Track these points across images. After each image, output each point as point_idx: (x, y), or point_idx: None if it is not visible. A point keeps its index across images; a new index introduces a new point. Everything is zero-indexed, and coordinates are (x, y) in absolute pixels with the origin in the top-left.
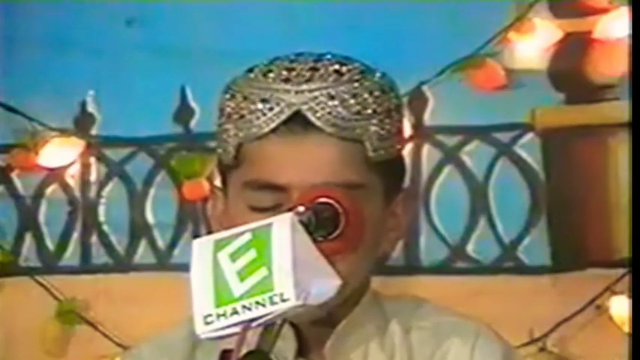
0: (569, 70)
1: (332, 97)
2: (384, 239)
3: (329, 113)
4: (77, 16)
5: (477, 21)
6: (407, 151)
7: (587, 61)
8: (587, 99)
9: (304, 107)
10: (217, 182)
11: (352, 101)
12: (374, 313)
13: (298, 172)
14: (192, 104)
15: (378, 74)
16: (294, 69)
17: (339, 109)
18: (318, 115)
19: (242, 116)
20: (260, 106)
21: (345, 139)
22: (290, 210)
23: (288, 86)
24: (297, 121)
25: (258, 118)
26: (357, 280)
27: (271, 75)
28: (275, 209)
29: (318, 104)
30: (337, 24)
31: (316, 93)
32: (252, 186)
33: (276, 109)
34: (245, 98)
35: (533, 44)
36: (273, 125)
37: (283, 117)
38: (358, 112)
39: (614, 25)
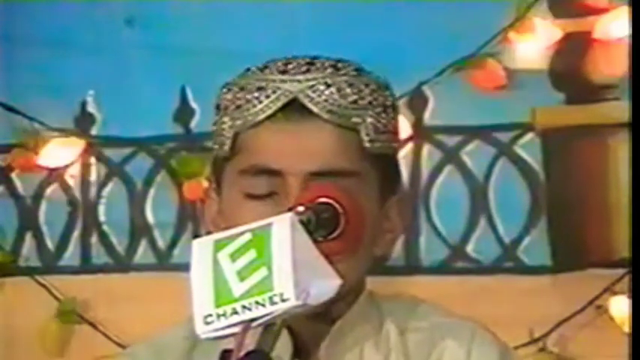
0: (569, 70)
1: (329, 86)
2: (380, 240)
3: (326, 100)
4: (77, 16)
5: (477, 21)
6: (407, 151)
7: (587, 61)
8: (587, 99)
9: (301, 95)
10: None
11: (349, 90)
12: (370, 314)
13: (294, 158)
14: (192, 104)
15: (373, 74)
16: (291, 63)
17: (336, 96)
18: (315, 101)
19: (239, 106)
20: (256, 94)
21: (341, 127)
22: (290, 210)
23: (285, 76)
24: (293, 109)
25: (254, 105)
26: (355, 279)
27: (268, 69)
28: (271, 196)
29: (314, 92)
30: (337, 24)
31: (313, 82)
32: (249, 172)
33: (273, 97)
34: (242, 89)
35: (533, 44)
36: (269, 112)
37: (280, 104)
38: (355, 102)
39: (614, 25)
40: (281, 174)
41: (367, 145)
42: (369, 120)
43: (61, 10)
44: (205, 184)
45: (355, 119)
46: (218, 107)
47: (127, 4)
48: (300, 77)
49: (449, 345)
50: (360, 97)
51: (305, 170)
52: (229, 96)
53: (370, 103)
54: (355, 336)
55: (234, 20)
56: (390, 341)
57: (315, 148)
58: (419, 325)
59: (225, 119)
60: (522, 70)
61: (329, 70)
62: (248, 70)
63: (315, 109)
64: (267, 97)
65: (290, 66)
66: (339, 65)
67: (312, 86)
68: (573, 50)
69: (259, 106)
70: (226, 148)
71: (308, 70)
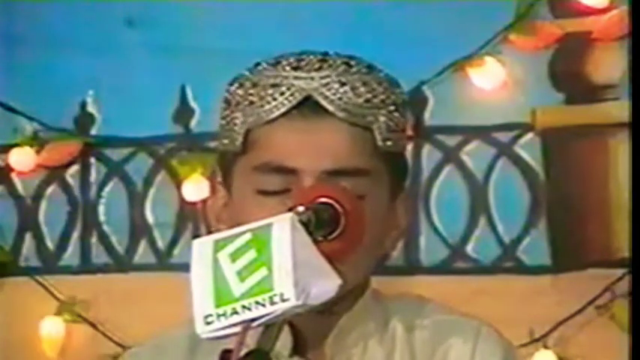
0: (569, 70)
1: (343, 84)
2: (386, 237)
3: (340, 99)
4: (77, 16)
5: (477, 21)
6: (407, 151)
7: (587, 61)
8: (587, 99)
9: (315, 92)
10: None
11: (362, 89)
12: (374, 311)
13: (309, 156)
14: (192, 104)
15: (383, 71)
16: (303, 59)
17: (350, 95)
18: (330, 100)
19: (251, 102)
20: (270, 91)
21: (355, 126)
22: (290, 210)
23: (298, 73)
24: (308, 106)
25: (268, 102)
26: (359, 278)
27: (280, 65)
28: (284, 193)
29: (329, 90)
30: (338, 24)
31: (327, 79)
32: (262, 170)
33: (287, 94)
34: (254, 85)
35: (533, 44)
36: (284, 109)
37: (294, 101)
38: (368, 100)
39: (614, 25)
40: (295, 172)
41: (380, 143)
42: (382, 119)
43: (61, 10)
44: (205, 184)
45: (369, 118)
46: (227, 102)
47: (127, 4)
48: (314, 74)
49: (454, 342)
50: (374, 96)
51: (320, 168)
52: (241, 92)
53: (383, 101)
54: (359, 332)
55: (234, 20)
56: (395, 338)
57: (329, 147)
58: (424, 323)
59: (237, 114)
60: (522, 70)
61: (342, 68)
62: (258, 64)
63: (330, 108)
64: (282, 94)
65: (303, 62)
66: (352, 62)
67: (327, 84)
68: (573, 50)
69: (274, 103)
70: (238, 143)
71: (321, 67)
